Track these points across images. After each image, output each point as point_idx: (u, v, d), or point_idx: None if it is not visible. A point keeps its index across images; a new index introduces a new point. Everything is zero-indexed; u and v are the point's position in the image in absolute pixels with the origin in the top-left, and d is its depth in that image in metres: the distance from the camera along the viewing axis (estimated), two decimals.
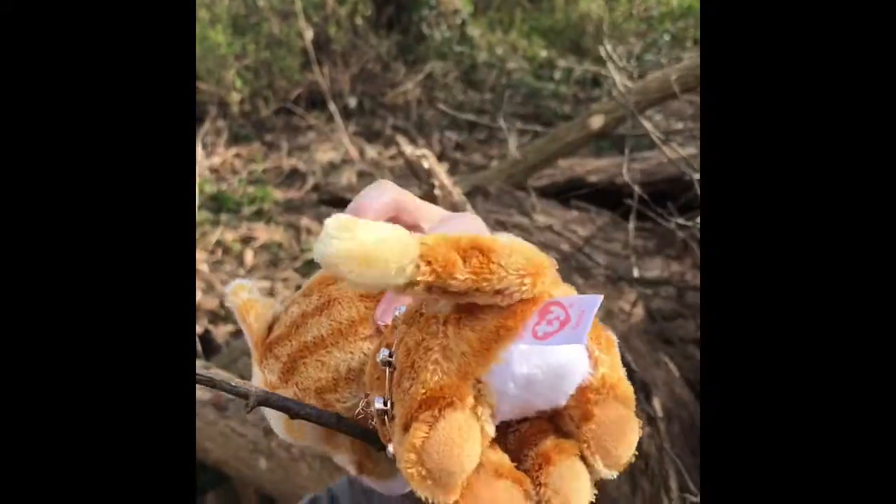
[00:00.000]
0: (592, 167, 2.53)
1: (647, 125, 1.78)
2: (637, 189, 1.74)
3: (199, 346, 2.16)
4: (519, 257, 0.31)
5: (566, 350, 0.32)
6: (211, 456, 1.54)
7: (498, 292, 0.31)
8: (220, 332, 2.27)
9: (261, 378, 0.44)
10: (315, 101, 4.07)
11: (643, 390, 1.40)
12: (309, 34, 3.95)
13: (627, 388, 0.34)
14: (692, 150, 1.98)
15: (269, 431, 1.45)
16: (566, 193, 2.34)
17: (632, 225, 1.88)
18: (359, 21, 4.17)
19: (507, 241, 0.32)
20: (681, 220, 1.60)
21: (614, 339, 0.34)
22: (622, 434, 0.33)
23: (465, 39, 4.15)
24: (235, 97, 3.90)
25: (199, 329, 2.27)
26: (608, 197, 2.27)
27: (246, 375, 1.61)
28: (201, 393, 1.52)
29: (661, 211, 1.64)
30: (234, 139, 3.93)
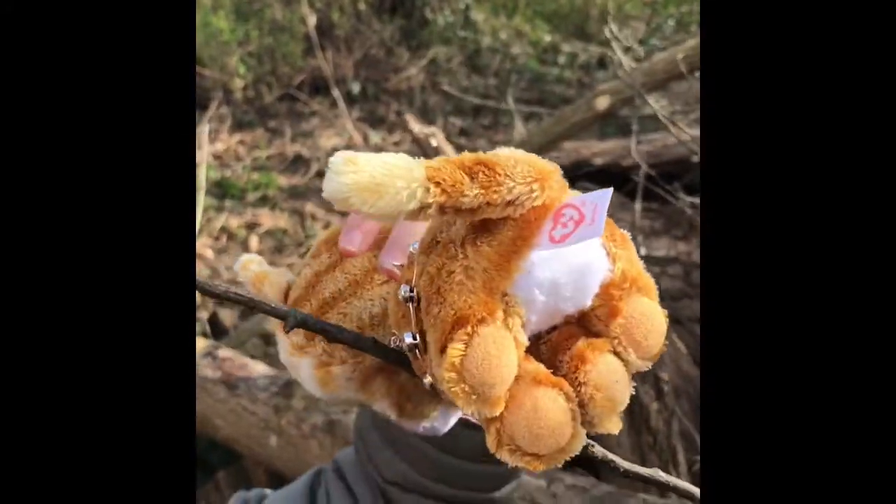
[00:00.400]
0: (598, 149, 2.52)
1: (654, 105, 1.77)
2: (645, 167, 1.74)
3: (208, 329, 2.17)
4: (524, 165, 0.31)
5: (585, 250, 0.32)
6: (221, 434, 1.55)
7: (509, 203, 0.31)
8: (228, 315, 2.28)
9: (287, 342, 0.44)
10: (318, 86, 4.06)
11: (652, 366, 1.41)
12: (312, 20, 3.93)
13: (648, 280, 0.34)
14: (698, 132, 1.97)
15: (279, 409, 1.46)
16: (572, 174, 2.34)
17: (638, 205, 1.88)
18: (362, 6, 4.16)
19: (508, 153, 0.32)
20: (691, 199, 1.60)
21: (628, 235, 0.35)
22: (650, 324, 0.33)
23: (469, 24, 4.13)
24: (239, 83, 3.89)
25: (206, 312, 2.28)
26: (614, 179, 2.27)
27: (257, 356, 1.62)
28: (212, 371, 1.53)
29: (669, 188, 1.64)
30: (238, 126, 3.93)
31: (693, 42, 2.13)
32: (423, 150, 1.56)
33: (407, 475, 0.52)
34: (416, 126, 1.62)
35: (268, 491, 0.59)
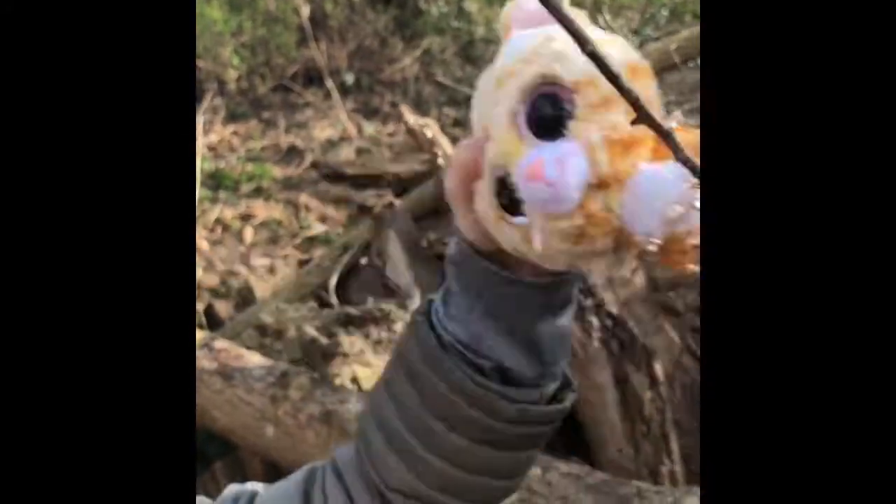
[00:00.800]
0: None
1: None
2: None
3: (203, 320, 2.17)
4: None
5: None
6: (218, 424, 1.56)
7: None
8: (223, 306, 2.28)
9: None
10: (312, 77, 4.05)
11: (645, 356, 1.42)
12: (305, 10, 3.92)
13: None
14: (692, 122, 1.97)
15: (276, 399, 1.46)
16: None
17: None
18: None
19: None
20: None
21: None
22: None
23: (463, 14, 4.12)
24: (232, 74, 3.88)
25: (202, 304, 2.28)
26: None
27: (252, 347, 1.62)
28: (208, 363, 1.54)
29: None
30: (232, 117, 3.92)
31: (687, 32, 2.13)
32: (417, 141, 1.56)
33: (411, 484, 0.51)
34: (412, 118, 1.62)
35: (259, 486, 0.58)
